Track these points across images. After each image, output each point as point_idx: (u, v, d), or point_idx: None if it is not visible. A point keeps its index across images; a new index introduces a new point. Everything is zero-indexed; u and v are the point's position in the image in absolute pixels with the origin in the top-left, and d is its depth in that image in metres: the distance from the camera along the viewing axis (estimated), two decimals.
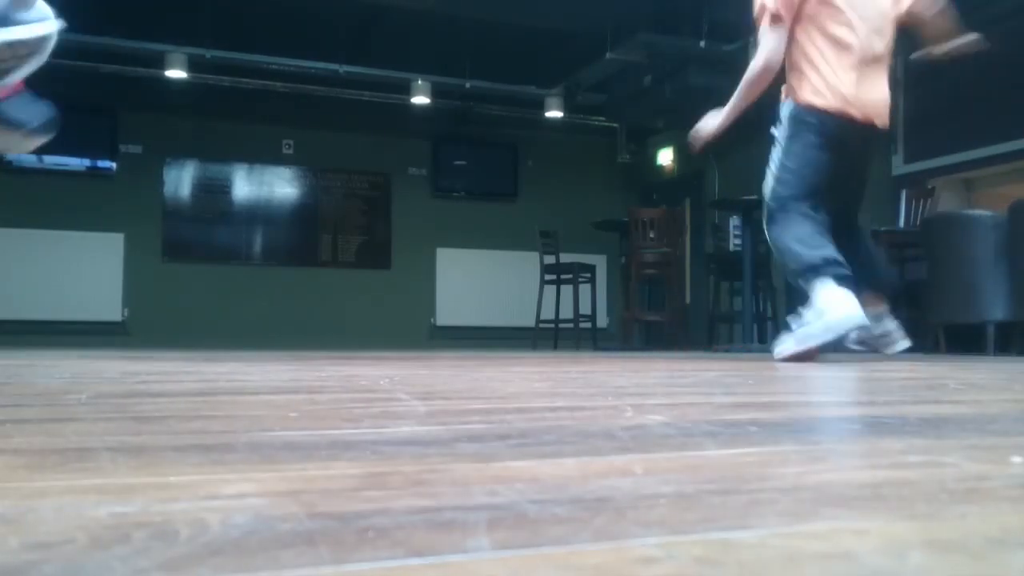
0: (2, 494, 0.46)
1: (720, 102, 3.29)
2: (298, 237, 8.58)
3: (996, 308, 4.84)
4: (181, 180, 8.29)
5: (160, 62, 7.02)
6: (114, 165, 8.02)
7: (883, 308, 3.24)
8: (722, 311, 7.13)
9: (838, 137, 3.09)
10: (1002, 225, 4.88)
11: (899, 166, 6.96)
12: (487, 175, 9.21)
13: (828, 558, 0.34)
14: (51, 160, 7.85)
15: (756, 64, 3.12)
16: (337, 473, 0.53)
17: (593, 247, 8.51)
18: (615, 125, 8.92)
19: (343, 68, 7.35)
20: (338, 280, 8.57)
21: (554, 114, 8.16)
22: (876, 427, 0.86)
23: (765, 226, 3.17)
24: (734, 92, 3.21)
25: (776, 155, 3.16)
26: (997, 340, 4.90)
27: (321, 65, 7.37)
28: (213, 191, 8.37)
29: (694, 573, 0.31)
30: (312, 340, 7.38)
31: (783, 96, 3.22)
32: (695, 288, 8.50)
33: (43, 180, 7.80)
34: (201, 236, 8.28)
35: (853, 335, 3.11)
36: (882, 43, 3.15)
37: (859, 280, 3.01)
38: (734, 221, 7.26)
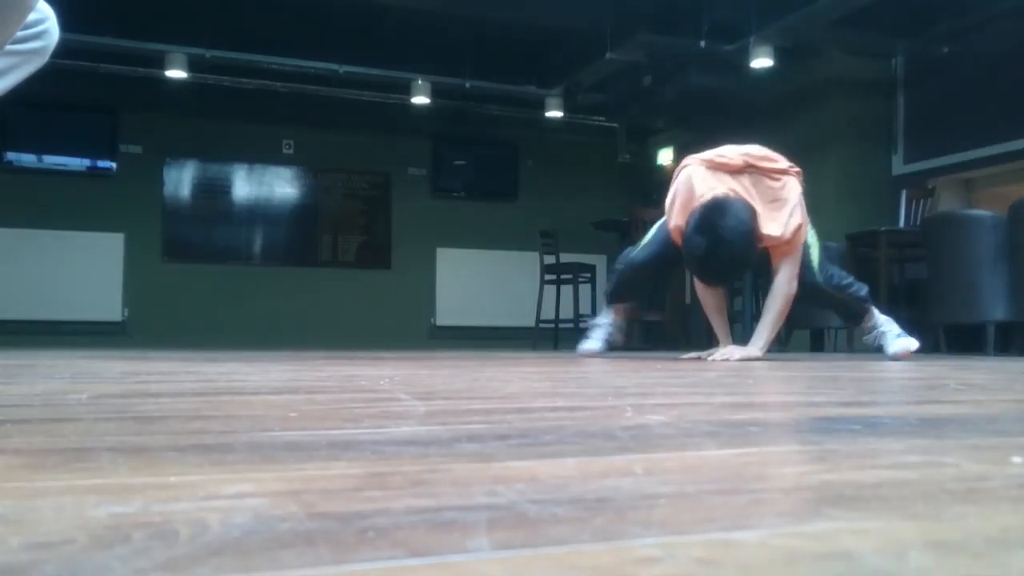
0: (2, 494, 0.46)
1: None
2: (298, 237, 8.58)
3: (996, 308, 4.84)
4: (181, 180, 8.28)
5: (160, 62, 7.01)
6: (114, 165, 8.01)
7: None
8: None
9: None
10: (1002, 225, 4.87)
11: (899, 166, 6.96)
12: (487, 175, 9.20)
13: (828, 558, 0.34)
14: (51, 160, 7.85)
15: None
16: (337, 473, 0.53)
17: (593, 247, 8.49)
18: (615, 125, 8.91)
19: (343, 68, 7.35)
20: (338, 280, 8.56)
21: (554, 114, 8.15)
22: (876, 427, 0.86)
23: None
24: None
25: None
26: (997, 340, 4.90)
27: (321, 65, 7.36)
28: (213, 191, 8.36)
29: (694, 573, 0.31)
30: (312, 340, 7.38)
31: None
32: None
33: (43, 180, 7.79)
34: (201, 236, 8.27)
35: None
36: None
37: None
38: None
